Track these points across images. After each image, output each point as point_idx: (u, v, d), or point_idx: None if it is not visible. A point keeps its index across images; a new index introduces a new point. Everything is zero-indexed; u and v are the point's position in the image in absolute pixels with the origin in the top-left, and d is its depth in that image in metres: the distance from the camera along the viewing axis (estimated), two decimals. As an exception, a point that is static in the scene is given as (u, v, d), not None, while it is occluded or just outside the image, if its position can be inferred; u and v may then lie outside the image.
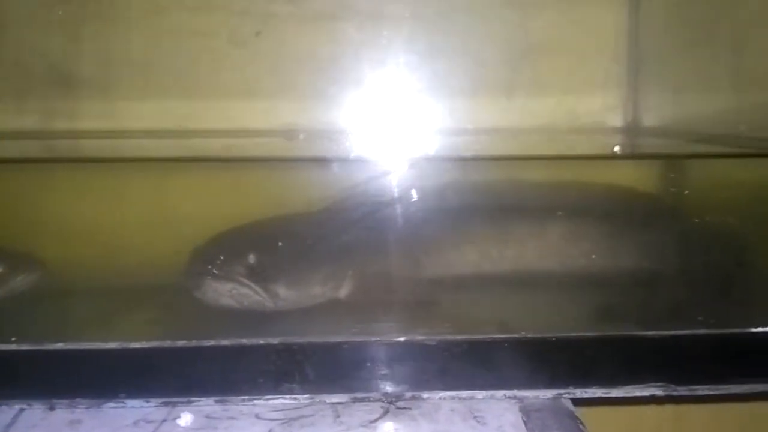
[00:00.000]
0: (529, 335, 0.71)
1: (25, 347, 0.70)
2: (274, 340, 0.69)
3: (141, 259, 0.88)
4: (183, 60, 1.02)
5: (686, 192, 0.91)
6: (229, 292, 0.78)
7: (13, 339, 0.70)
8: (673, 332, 0.71)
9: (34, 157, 0.96)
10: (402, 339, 0.71)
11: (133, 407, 0.69)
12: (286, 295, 0.79)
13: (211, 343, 0.69)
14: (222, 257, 0.79)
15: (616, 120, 1.04)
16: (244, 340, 0.69)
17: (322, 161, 0.87)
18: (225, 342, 0.69)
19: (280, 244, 0.82)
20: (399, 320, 0.77)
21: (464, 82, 0.99)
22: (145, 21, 1.02)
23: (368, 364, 0.70)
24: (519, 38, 1.00)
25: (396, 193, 0.84)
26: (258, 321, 0.78)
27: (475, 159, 0.89)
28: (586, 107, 1.02)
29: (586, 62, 1.02)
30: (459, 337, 0.71)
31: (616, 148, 1.00)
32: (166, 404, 0.69)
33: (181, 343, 0.69)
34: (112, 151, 1.02)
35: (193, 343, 0.68)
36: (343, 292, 0.81)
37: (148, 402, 0.69)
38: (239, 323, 0.78)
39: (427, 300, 0.81)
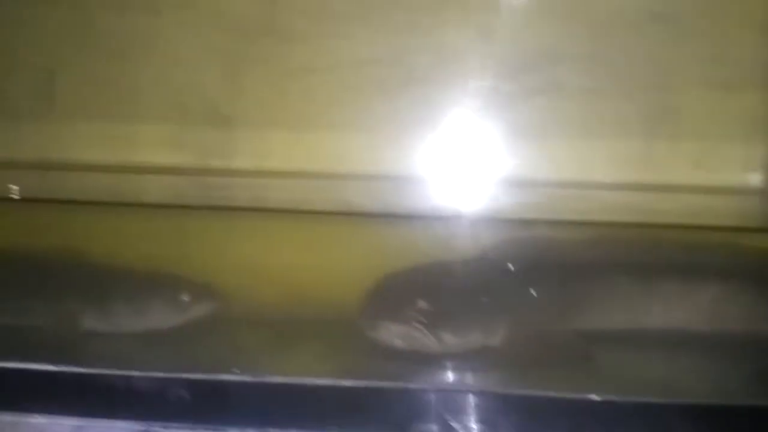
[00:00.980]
0: (703, 401, 0.73)
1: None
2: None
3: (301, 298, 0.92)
4: (336, 109, 1.06)
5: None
6: (401, 334, 0.83)
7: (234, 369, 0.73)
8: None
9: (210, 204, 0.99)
10: (560, 395, 0.74)
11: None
12: (451, 340, 0.83)
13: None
14: (397, 302, 0.84)
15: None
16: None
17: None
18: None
19: (444, 290, 0.86)
20: (556, 374, 0.80)
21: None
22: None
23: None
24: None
25: (543, 247, 0.89)
26: (423, 363, 0.82)
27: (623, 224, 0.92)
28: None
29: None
30: (627, 399, 0.72)
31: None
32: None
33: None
34: (263, 192, 1.06)
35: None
36: (497, 341, 0.85)
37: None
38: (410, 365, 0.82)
39: (580, 355, 0.85)
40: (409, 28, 1.00)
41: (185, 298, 0.89)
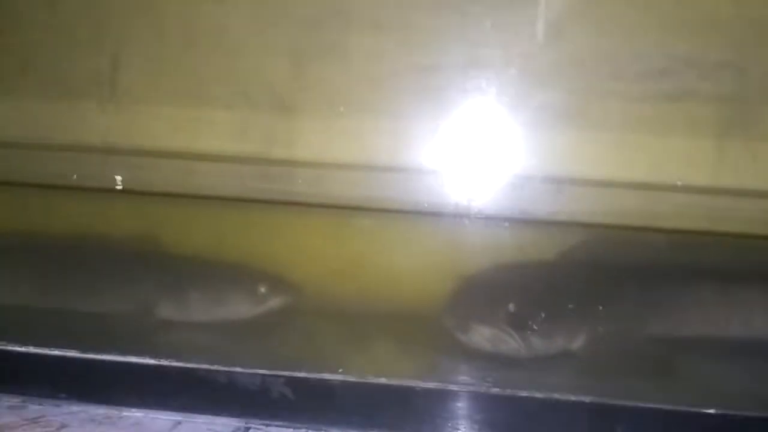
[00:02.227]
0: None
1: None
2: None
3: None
4: (397, 101, 1.06)
5: None
6: (490, 336, 0.84)
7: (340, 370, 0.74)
8: None
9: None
10: (648, 405, 0.75)
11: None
12: (538, 344, 0.85)
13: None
14: (487, 305, 0.86)
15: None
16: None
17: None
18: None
19: (529, 293, 0.88)
20: (638, 382, 0.81)
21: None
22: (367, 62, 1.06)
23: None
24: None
25: (620, 251, 0.90)
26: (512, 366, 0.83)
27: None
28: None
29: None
30: (712, 411, 0.74)
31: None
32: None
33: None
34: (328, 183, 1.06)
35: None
36: (578, 345, 0.87)
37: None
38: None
39: (661, 363, 0.87)
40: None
41: (262, 290, 0.90)
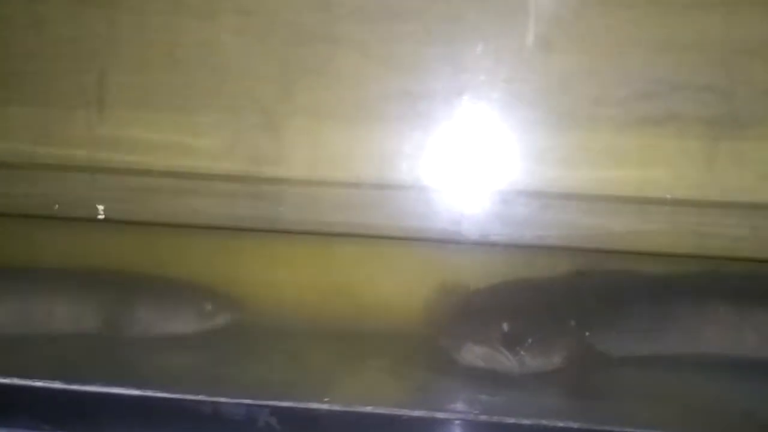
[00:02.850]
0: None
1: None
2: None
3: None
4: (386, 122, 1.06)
5: None
6: (483, 355, 0.85)
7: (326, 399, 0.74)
8: None
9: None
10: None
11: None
12: (532, 362, 0.85)
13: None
14: (480, 323, 0.86)
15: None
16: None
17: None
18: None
19: (525, 311, 0.87)
20: (645, 407, 0.81)
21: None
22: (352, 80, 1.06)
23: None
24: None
25: (627, 267, 0.90)
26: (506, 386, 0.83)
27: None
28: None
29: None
30: None
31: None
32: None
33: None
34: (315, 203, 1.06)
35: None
36: (578, 362, 0.86)
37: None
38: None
39: (671, 383, 0.87)
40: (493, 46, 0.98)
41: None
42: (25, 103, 1.06)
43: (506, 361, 0.84)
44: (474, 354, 0.84)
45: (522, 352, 0.84)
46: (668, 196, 0.95)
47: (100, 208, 0.94)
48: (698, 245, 0.91)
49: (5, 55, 1.05)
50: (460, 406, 0.78)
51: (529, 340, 0.85)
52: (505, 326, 0.84)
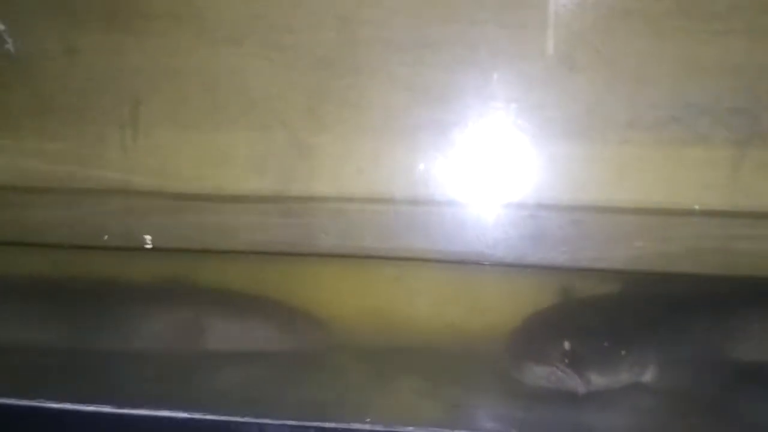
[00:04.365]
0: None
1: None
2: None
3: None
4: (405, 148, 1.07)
5: None
6: (547, 375, 0.86)
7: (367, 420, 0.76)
8: None
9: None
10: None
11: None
12: (596, 380, 0.87)
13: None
14: (542, 343, 0.88)
15: None
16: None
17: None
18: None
19: (586, 330, 0.89)
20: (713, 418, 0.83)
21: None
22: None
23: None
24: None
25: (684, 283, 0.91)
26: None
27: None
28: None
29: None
30: None
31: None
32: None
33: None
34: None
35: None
36: (647, 378, 0.88)
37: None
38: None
39: (735, 398, 0.88)
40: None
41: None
42: (61, 130, 1.08)
43: (570, 380, 0.85)
44: (536, 374, 0.86)
45: (587, 371, 0.86)
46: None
47: (148, 238, 0.96)
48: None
49: (41, 83, 1.07)
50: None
51: (593, 358, 0.87)
52: (567, 345, 0.86)
